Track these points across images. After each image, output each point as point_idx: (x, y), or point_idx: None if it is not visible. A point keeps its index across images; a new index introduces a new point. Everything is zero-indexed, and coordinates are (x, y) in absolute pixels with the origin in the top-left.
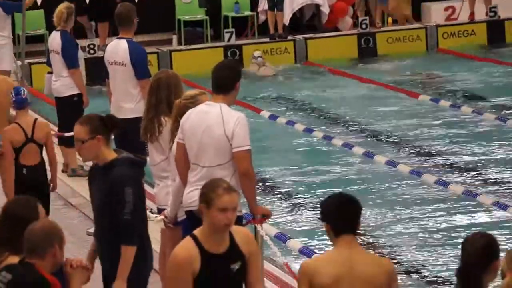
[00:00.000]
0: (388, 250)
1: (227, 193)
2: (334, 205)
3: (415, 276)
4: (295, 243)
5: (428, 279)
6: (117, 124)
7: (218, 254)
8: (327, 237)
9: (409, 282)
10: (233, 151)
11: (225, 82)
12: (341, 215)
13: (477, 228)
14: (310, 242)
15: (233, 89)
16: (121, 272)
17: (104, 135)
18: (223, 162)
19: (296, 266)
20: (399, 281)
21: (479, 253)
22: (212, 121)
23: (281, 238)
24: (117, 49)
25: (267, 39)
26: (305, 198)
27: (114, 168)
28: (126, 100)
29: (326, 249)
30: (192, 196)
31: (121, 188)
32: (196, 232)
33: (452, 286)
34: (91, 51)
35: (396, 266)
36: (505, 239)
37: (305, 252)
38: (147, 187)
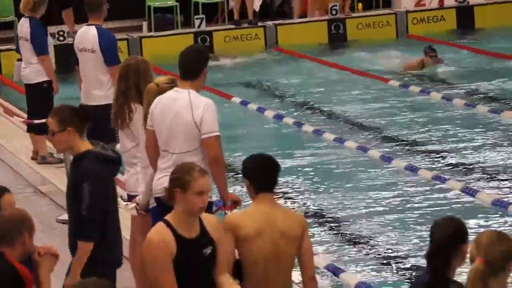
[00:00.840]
0: (359, 233)
1: (202, 176)
2: (257, 165)
3: (386, 260)
4: None
5: (398, 262)
6: (89, 114)
7: (191, 239)
8: None
9: (381, 266)
10: (202, 138)
11: (193, 67)
12: (263, 174)
13: (446, 212)
14: None
15: (200, 74)
16: (74, 268)
17: (75, 127)
18: (192, 149)
19: None
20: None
21: (448, 236)
22: (180, 107)
23: None
24: (87, 35)
25: (238, 25)
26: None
27: (83, 160)
28: (96, 87)
29: None
30: (162, 182)
31: (80, 182)
32: (168, 217)
33: (421, 268)
34: (61, 38)
35: (368, 249)
36: (474, 224)
37: None
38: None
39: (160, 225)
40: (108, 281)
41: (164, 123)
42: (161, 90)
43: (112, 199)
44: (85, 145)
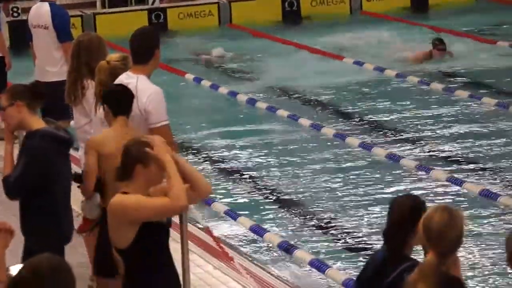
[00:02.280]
0: (314, 209)
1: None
2: (114, 92)
3: (342, 240)
4: (220, 206)
5: (355, 242)
6: (42, 92)
7: None
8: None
9: (339, 247)
10: (151, 128)
11: (142, 51)
12: (119, 99)
13: (400, 191)
14: (233, 203)
15: (151, 58)
16: None
17: (26, 102)
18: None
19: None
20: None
21: (406, 213)
22: None
23: (207, 202)
24: (40, 12)
25: (191, 2)
26: (232, 163)
27: (32, 139)
28: (50, 63)
29: (244, 210)
30: None
31: (21, 156)
32: (124, 189)
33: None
34: (15, 14)
35: (323, 229)
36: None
37: (231, 214)
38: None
39: (118, 194)
40: (59, 256)
41: None
42: (112, 68)
43: (64, 177)
44: (37, 123)
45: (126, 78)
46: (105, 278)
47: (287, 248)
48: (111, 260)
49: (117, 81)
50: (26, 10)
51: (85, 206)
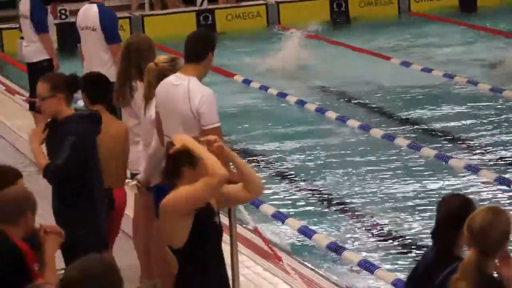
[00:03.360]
0: (363, 210)
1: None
2: (89, 81)
3: (391, 240)
4: (268, 208)
5: (405, 243)
6: (79, 83)
7: (203, 208)
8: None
9: (389, 247)
10: (203, 129)
11: (194, 52)
12: (94, 88)
13: (451, 190)
14: (282, 204)
15: (203, 59)
16: None
17: (65, 95)
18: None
19: (267, 230)
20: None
21: (452, 212)
22: (179, 95)
23: (255, 203)
24: (88, 13)
25: (239, 4)
26: (279, 164)
27: (66, 124)
28: (98, 65)
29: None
30: None
31: (64, 139)
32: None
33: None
34: (63, 16)
35: (372, 229)
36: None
37: (278, 216)
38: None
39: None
40: (109, 257)
41: (165, 109)
42: (160, 69)
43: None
44: (70, 111)
45: (176, 80)
46: None
47: (336, 249)
48: None
49: (167, 81)
50: (74, 12)
51: None
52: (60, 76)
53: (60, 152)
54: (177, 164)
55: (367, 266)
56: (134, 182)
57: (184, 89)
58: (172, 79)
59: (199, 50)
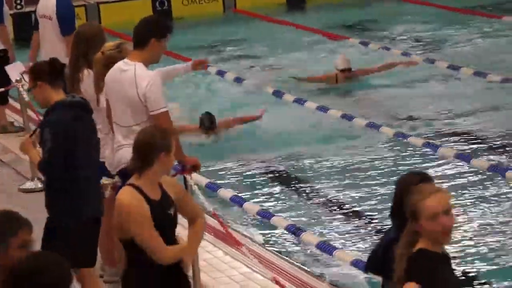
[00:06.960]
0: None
1: None
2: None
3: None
4: (226, 192)
5: (364, 223)
6: (60, 67)
7: (158, 200)
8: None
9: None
10: (150, 114)
11: (138, 38)
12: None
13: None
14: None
15: (146, 45)
16: None
17: (47, 81)
18: (140, 121)
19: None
20: None
21: (404, 190)
22: (126, 81)
23: (212, 188)
24: (47, 2)
25: None
26: (233, 145)
27: (52, 112)
28: (54, 53)
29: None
30: (121, 154)
31: (43, 131)
32: (133, 182)
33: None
34: (18, 6)
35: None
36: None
37: (236, 200)
38: None
39: (128, 189)
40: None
41: (112, 96)
42: (107, 57)
43: (88, 144)
44: (59, 96)
45: (124, 65)
46: None
47: (294, 232)
48: None
49: (114, 68)
50: (29, 2)
51: None
52: (40, 64)
53: (45, 145)
54: (156, 150)
55: (326, 248)
56: (109, 182)
57: (130, 74)
58: (120, 64)
59: (141, 36)
